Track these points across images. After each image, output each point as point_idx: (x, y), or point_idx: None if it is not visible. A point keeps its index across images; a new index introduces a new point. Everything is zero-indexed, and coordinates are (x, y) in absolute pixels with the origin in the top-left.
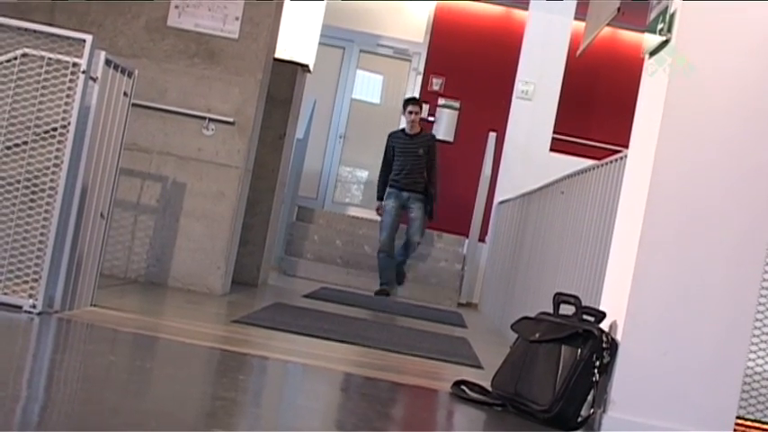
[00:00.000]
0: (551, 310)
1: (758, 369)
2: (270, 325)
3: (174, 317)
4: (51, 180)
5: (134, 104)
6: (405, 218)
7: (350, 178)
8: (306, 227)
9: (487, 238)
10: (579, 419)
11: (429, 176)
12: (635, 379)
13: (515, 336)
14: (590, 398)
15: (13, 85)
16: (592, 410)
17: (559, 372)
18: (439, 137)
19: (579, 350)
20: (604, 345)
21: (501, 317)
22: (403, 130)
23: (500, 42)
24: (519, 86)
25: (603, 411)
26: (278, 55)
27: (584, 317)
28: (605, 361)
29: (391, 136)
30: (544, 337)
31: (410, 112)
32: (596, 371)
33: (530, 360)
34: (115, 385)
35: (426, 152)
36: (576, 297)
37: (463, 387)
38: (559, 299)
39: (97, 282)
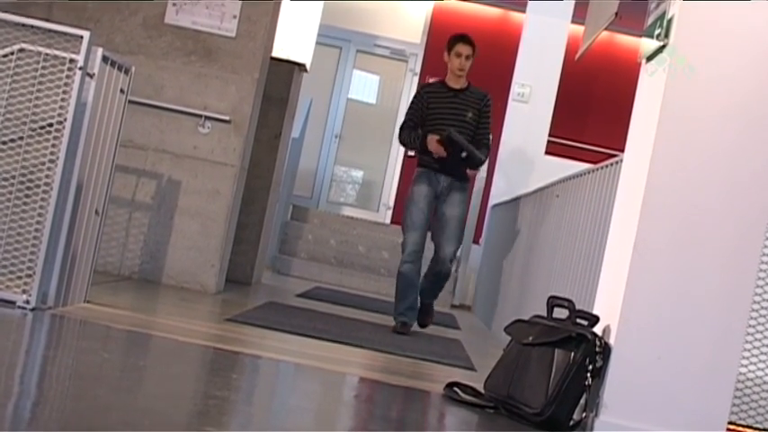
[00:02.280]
0: (545, 314)
1: (750, 375)
2: (263, 324)
3: (168, 314)
4: (46, 176)
5: (130, 101)
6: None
7: (345, 178)
8: (300, 226)
9: (482, 241)
10: (571, 423)
11: (482, 144)
12: (627, 383)
13: (508, 338)
14: (582, 401)
15: (9, 80)
16: (584, 414)
17: (552, 375)
18: None
19: (572, 354)
20: (597, 349)
21: (494, 319)
22: (443, 81)
23: (497, 44)
24: (515, 89)
25: (596, 415)
26: (275, 54)
27: (578, 320)
28: (598, 365)
29: (426, 89)
30: (537, 341)
31: (458, 55)
32: (589, 375)
33: (523, 363)
34: (108, 382)
35: (477, 117)
36: (569, 301)
37: (456, 389)
38: (553, 302)
39: (91, 278)
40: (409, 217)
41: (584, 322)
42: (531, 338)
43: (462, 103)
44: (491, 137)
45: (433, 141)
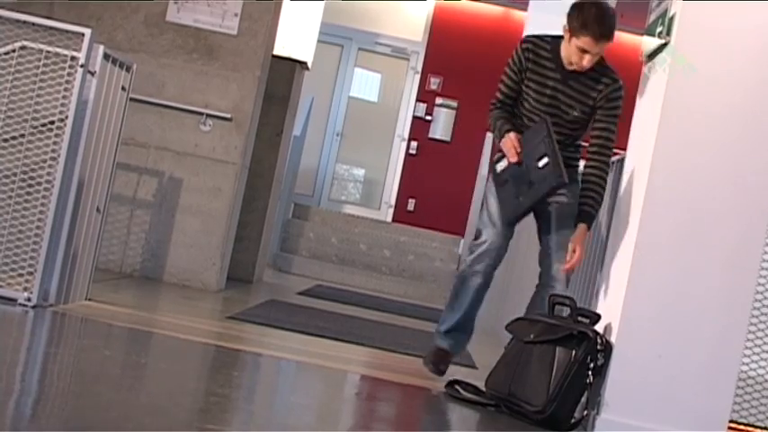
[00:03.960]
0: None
1: (752, 373)
2: (264, 322)
3: (169, 312)
4: (48, 173)
5: (132, 99)
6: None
7: (346, 176)
8: (301, 224)
9: None
10: (572, 421)
11: (594, 160)
12: (629, 381)
13: (510, 336)
14: (583, 400)
15: (10, 77)
16: (585, 412)
17: (553, 373)
18: (436, 136)
19: (574, 352)
20: (599, 347)
21: (496, 317)
22: (558, 47)
23: (498, 43)
24: None
25: (597, 413)
26: (276, 52)
27: (579, 319)
28: (599, 363)
29: (527, 53)
30: (539, 339)
31: (581, 50)
32: (590, 373)
33: (524, 361)
34: (109, 380)
35: (588, 114)
36: (571, 299)
37: (457, 387)
38: (554, 300)
39: (92, 276)
40: (486, 210)
41: (586, 320)
42: (532, 336)
43: (572, 92)
44: (612, 142)
45: (510, 141)
